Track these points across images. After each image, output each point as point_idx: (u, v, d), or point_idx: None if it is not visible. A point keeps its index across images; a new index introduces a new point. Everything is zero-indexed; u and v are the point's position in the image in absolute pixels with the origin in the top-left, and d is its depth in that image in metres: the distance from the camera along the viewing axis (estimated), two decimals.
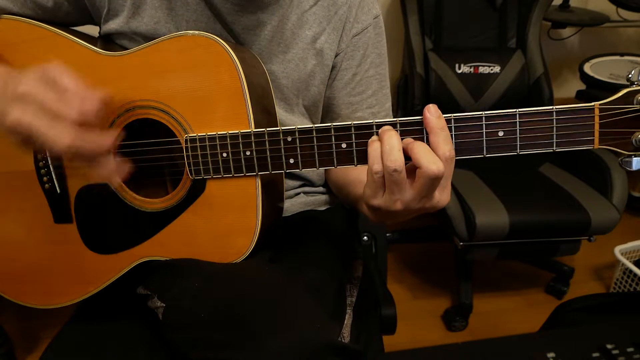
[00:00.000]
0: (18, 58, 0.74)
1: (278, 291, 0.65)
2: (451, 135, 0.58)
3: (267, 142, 0.65)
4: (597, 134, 0.57)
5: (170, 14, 0.75)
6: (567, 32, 2.22)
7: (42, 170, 0.77)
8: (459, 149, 0.59)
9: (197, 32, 0.67)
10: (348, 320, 0.81)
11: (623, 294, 1.57)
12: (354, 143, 0.62)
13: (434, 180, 0.55)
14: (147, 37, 0.74)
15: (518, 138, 0.58)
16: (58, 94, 0.57)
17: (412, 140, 0.58)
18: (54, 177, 0.76)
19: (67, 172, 0.76)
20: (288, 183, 0.87)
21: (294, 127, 0.63)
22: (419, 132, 0.59)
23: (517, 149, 0.58)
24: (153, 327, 0.73)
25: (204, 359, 0.62)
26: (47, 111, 0.57)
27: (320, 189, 0.93)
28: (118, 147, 0.72)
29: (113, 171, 0.62)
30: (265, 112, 0.70)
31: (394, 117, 0.65)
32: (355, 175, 0.79)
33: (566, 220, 1.46)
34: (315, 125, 0.62)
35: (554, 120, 0.57)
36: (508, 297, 1.81)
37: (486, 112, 0.58)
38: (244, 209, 0.69)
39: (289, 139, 0.64)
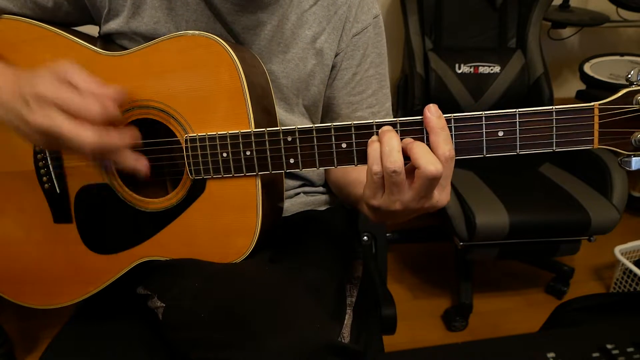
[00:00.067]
0: (18, 58, 0.74)
1: (278, 291, 0.65)
2: (451, 135, 0.58)
3: (267, 142, 0.65)
4: (596, 133, 0.57)
5: (170, 14, 0.75)
6: (567, 32, 2.22)
7: (42, 170, 0.76)
8: (458, 148, 0.59)
9: (197, 32, 0.67)
10: (348, 320, 0.81)
11: (623, 294, 1.57)
12: (354, 143, 0.62)
13: (432, 181, 0.55)
14: (147, 37, 0.74)
15: (518, 138, 0.58)
16: (75, 93, 0.58)
17: (411, 140, 0.58)
18: (53, 177, 0.76)
19: (67, 172, 0.76)
20: (288, 183, 0.87)
21: (294, 127, 0.63)
22: (419, 132, 0.59)
23: (516, 149, 0.58)
24: (153, 327, 0.73)
25: (204, 359, 0.62)
26: (68, 111, 0.58)
27: (320, 189, 0.93)
28: None
29: (137, 161, 0.64)
30: (265, 112, 0.70)
31: (394, 117, 0.65)
32: (355, 176, 0.79)
33: (566, 220, 1.46)
34: (316, 125, 0.62)
35: (554, 120, 0.57)
36: (508, 297, 1.81)
37: (486, 112, 0.58)
38: (244, 209, 0.69)
39: (289, 138, 0.64)
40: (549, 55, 1.87)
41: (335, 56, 0.81)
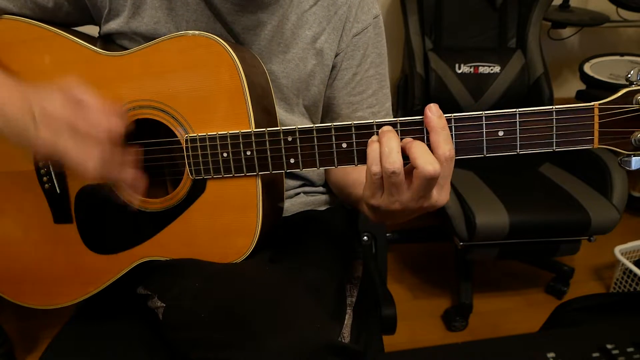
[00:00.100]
0: (18, 58, 0.74)
1: (278, 291, 0.65)
2: (451, 134, 0.58)
3: (267, 142, 0.65)
4: (596, 133, 0.57)
5: (170, 14, 0.75)
6: (567, 32, 2.22)
7: (42, 170, 0.76)
8: (458, 148, 0.59)
9: (197, 32, 0.67)
10: (348, 320, 0.81)
11: (623, 294, 1.57)
12: (355, 143, 0.62)
13: (430, 181, 0.55)
14: (147, 37, 0.74)
15: (518, 138, 0.58)
16: (85, 115, 0.59)
17: (411, 139, 0.58)
18: (53, 177, 0.76)
19: (67, 172, 0.76)
20: (288, 183, 0.87)
21: (294, 127, 0.63)
22: (419, 132, 0.59)
23: (516, 149, 0.58)
24: (153, 327, 0.73)
25: (204, 359, 0.62)
26: (77, 133, 0.59)
27: (321, 189, 0.93)
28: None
29: (135, 182, 0.66)
30: (265, 112, 0.70)
31: (394, 117, 0.65)
32: (355, 177, 0.79)
33: (566, 220, 1.46)
34: (316, 125, 0.62)
35: (554, 120, 0.57)
36: (508, 297, 1.81)
37: (486, 112, 0.58)
38: (244, 209, 0.69)
39: (290, 138, 0.64)
40: (549, 55, 1.87)
41: (336, 56, 0.81)
